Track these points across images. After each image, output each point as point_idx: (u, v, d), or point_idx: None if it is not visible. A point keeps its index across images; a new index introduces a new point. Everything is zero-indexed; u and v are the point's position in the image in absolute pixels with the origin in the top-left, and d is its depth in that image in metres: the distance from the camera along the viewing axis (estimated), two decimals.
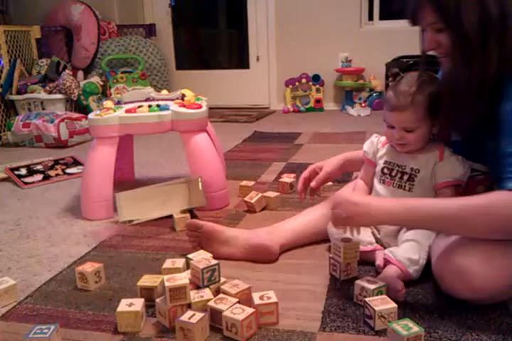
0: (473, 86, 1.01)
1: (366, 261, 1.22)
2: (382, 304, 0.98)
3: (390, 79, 1.20)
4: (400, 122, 1.16)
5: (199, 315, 0.95)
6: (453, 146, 1.19)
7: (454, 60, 1.04)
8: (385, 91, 1.24)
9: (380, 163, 1.26)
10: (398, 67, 3.10)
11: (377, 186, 1.27)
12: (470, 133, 1.09)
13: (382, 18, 4.13)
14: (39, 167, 2.31)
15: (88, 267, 1.20)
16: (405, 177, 1.21)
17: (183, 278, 1.02)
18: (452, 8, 0.98)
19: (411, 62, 3.27)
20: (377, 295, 1.03)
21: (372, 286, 1.03)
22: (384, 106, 1.20)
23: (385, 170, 1.25)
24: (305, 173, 1.47)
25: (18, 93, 3.34)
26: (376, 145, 1.29)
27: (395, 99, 1.15)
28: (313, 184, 1.43)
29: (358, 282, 1.06)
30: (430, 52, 1.10)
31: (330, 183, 1.70)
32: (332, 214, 1.06)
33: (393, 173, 1.23)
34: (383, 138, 1.29)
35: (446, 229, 1.01)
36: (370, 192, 1.30)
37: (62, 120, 2.97)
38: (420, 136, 1.17)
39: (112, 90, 3.61)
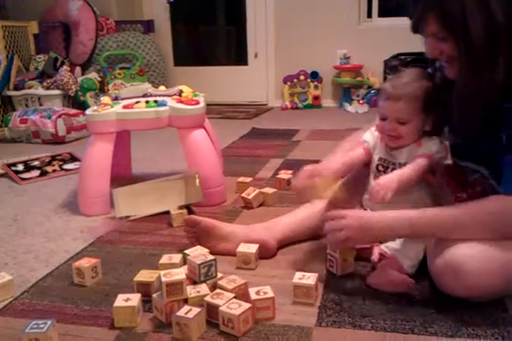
0: (482, 94, 1.00)
1: (364, 257, 1.22)
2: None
3: (388, 72, 1.20)
4: (393, 112, 1.15)
5: (195, 310, 0.95)
6: (452, 149, 1.19)
7: (460, 69, 1.02)
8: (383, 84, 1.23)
9: (375, 160, 1.25)
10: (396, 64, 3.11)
11: (373, 183, 1.25)
12: (473, 138, 1.09)
13: (380, 15, 4.12)
14: (36, 163, 2.31)
15: (85, 262, 1.20)
16: None
17: (180, 274, 1.02)
18: (458, 17, 0.96)
19: (409, 59, 3.26)
20: None
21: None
22: (379, 98, 1.20)
23: (380, 168, 1.24)
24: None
25: (16, 89, 3.34)
26: (376, 138, 1.28)
27: (391, 88, 1.15)
28: None
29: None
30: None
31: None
32: (329, 237, 1.10)
33: (388, 171, 1.22)
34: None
35: (447, 235, 1.02)
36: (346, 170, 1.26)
37: (60, 116, 2.96)
38: (412, 130, 1.15)
39: (110, 86, 3.60)
